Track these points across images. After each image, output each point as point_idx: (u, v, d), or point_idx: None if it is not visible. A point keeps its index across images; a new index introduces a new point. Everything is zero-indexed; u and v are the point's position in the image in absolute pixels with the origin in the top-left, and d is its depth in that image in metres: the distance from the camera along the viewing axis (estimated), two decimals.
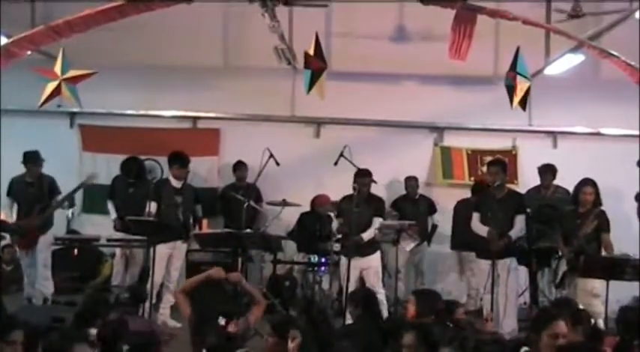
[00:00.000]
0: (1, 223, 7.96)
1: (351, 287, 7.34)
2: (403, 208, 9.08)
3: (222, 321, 4.81)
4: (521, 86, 6.13)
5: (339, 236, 7.80)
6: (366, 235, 7.32)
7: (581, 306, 5.41)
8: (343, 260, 7.47)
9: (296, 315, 5.23)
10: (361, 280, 7.45)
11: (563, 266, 7.03)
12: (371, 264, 7.44)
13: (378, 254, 7.60)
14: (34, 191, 8.00)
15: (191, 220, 8.27)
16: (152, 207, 7.76)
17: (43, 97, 6.63)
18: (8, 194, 8.11)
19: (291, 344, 4.35)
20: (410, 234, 7.39)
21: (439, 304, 5.38)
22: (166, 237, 7.67)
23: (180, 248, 7.97)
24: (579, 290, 6.81)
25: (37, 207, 7.92)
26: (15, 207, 8.06)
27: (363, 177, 7.42)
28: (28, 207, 7.98)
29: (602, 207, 6.96)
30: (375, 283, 7.36)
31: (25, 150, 8.07)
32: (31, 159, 7.99)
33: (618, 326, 5.00)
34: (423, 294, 5.67)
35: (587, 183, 7.01)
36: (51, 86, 6.55)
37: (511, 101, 6.21)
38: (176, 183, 7.99)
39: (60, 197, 8.10)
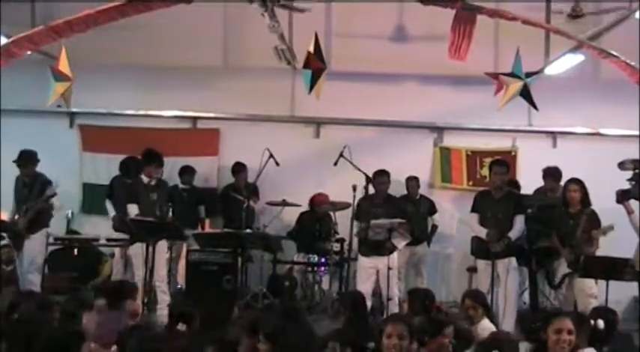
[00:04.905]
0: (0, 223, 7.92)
1: (367, 288, 7.41)
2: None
3: None
4: (513, 86, 6.15)
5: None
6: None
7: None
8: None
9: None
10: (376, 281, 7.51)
11: (561, 267, 7.03)
12: (387, 264, 7.34)
13: (394, 254, 7.53)
14: (26, 191, 7.87)
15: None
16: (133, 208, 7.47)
17: (54, 96, 6.61)
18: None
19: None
20: (401, 232, 7.40)
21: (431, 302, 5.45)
22: (166, 237, 7.58)
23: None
24: (577, 291, 6.82)
25: (24, 207, 7.78)
26: (13, 206, 7.97)
27: (381, 176, 7.71)
28: (19, 207, 7.87)
29: (593, 207, 6.98)
30: (391, 283, 7.32)
31: (22, 150, 7.93)
32: (21, 159, 7.85)
33: None
34: (415, 293, 5.72)
35: (572, 181, 7.08)
36: (62, 86, 6.55)
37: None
38: (148, 181, 7.60)
39: (40, 200, 7.81)
